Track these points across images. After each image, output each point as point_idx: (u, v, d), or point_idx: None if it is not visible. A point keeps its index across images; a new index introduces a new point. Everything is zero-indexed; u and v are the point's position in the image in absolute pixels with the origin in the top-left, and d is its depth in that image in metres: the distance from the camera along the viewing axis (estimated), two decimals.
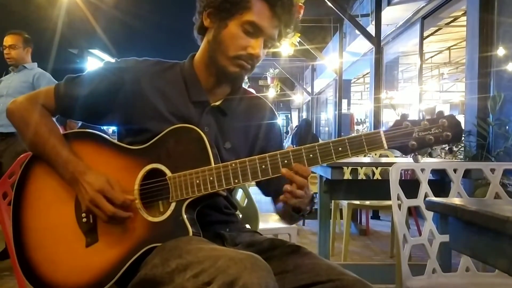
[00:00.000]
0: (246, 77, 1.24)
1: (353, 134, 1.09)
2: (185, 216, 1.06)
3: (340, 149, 1.02)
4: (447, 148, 1.04)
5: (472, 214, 0.72)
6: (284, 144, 1.39)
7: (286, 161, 1.03)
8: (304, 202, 1.07)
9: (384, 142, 1.01)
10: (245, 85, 1.32)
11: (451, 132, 1.00)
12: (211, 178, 1.05)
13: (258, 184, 1.25)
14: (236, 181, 1.05)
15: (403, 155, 1.05)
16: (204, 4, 1.14)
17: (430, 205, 0.85)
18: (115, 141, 1.17)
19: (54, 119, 1.20)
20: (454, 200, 0.81)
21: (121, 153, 1.13)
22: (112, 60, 1.26)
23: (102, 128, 1.33)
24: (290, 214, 1.13)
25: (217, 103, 1.20)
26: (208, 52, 1.16)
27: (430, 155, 1.03)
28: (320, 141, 1.10)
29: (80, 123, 1.28)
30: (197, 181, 1.06)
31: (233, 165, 1.05)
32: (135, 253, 1.05)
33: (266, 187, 1.28)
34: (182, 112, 1.15)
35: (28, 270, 1.11)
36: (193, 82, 1.18)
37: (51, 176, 1.14)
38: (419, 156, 1.05)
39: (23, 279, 1.11)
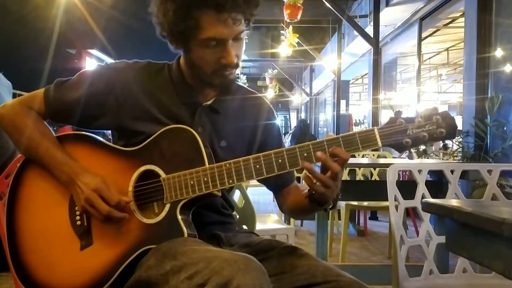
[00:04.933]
0: (244, 78, 1.23)
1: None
2: (179, 217, 1.05)
3: (334, 147, 1.01)
4: (441, 145, 1.03)
5: (467, 215, 0.72)
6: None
7: (280, 161, 1.03)
8: (333, 193, 1.03)
9: (379, 139, 1.00)
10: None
11: (445, 128, 0.99)
12: (205, 179, 1.05)
13: (261, 179, 1.22)
14: (231, 181, 1.04)
15: (398, 153, 1.05)
16: (159, 35, 1.10)
17: (426, 207, 0.85)
18: (109, 142, 1.16)
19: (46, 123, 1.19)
20: (450, 201, 0.81)
21: (115, 155, 1.13)
22: (103, 63, 1.25)
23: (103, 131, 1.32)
24: (310, 207, 1.10)
25: (209, 102, 1.19)
26: (189, 68, 1.15)
27: (425, 152, 1.03)
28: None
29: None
30: (191, 182, 1.05)
31: (227, 165, 1.04)
32: (130, 255, 1.04)
33: (269, 182, 1.26)
34: (174, 114, 1.14)
35: (23, 274, 1.11)
36: (182, 84, 1.17)
37: (45, 179, 1.13)
38: (414, 153, 1.04)
39: (18, 282, 1.10)
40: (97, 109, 1.14)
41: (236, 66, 1.10)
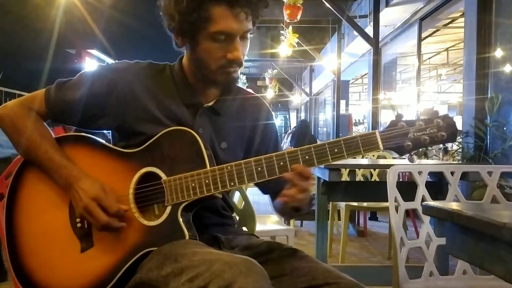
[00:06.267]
0: (244, 78, 1.24)
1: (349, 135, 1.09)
2: (181, 220, 1.05)
3: (336, 150, 1.02)
4: (442, 148, 1.05)
5: (468, 219, 0.72)
6: (282, 144, 1.39)
7: (282, 163, 1.03)
8: (304, 204, 1.09)
9: (380, 143, 1.01)
10: (243, 86, 1.31)
11: (446, 132, 1.00)
12: (207, 181, 1.05)
13: (256, 183, 1.24)
14: (232, 183, 1.04)
15: (399, 156, 1.06)
16: (167, 28, 1.11)
17: (426, 210, 0.85)
18: (109, 144, 1.16)
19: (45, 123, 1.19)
20: (451, 204, 0.81)
21: (116, 157, 1.12)
22: (104, 63, 1.25)
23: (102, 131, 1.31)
24: (289, 213, 1.18)
25: (210, 104, 1.19)
26: (193, 65, 1.15)
27: (426, 156, 1.04)
28: (318, 142, 1.10)
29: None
30: (193, 184, 1.05)
31: (229, 167, 1.05)
32: (131, 257, 1.04)
33: (264, 186, 1.26)
34: (175, 115, 1.14)
35: (23, 276, 1.10)
36: (184, 85, 1.17)
37: (45, 180, 1.12)
38: (415, 157, 1.05)
39: (18, 285, 1.10)
40: (98, 109, 1.14)
41: (240, 64, 1.11)
